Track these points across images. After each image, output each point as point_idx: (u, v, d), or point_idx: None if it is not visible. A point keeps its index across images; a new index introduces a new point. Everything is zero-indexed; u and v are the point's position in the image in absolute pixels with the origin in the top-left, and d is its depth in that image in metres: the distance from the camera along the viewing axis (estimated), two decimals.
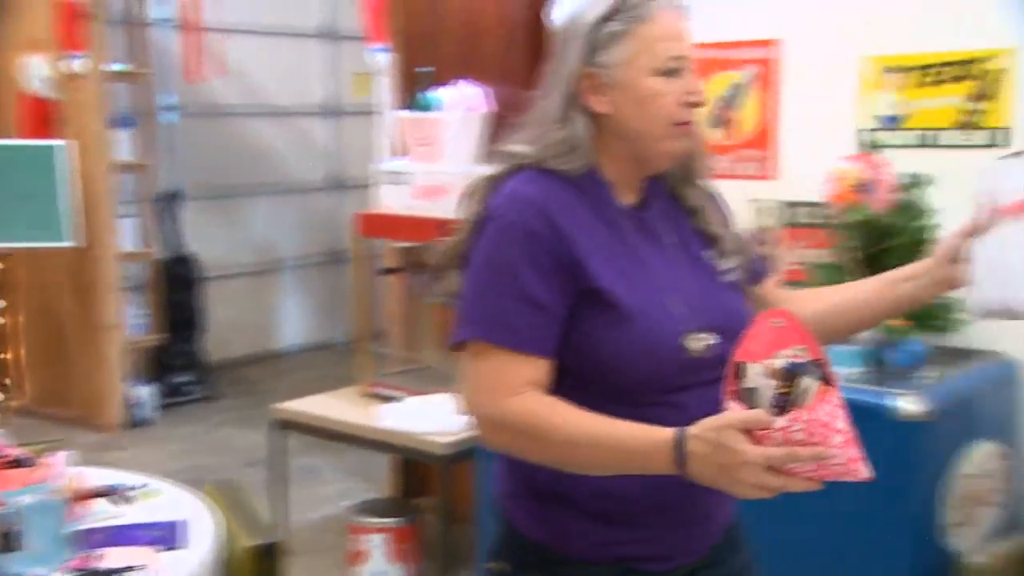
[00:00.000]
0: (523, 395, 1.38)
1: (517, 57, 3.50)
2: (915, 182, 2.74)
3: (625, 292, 1.41)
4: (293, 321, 7.00)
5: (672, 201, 1.54)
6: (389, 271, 3.74)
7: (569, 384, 1.41)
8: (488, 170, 1.50)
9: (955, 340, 2.72)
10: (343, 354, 5.93)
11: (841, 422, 1.24)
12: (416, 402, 3.23)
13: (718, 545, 1.53)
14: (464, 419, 3.04)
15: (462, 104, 3.34)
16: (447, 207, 3.27)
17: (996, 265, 1.45)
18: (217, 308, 6.10)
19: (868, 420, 2.33)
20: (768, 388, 1.27)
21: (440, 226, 3.28)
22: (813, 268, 2.91)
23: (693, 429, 1.27)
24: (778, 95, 3.16)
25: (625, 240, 1.46)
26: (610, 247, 1.44)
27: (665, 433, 1.29)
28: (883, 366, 2.61)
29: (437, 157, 3.33)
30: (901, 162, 2.77)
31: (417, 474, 3.88)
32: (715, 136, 3.27)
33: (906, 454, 2.36)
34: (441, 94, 3.36)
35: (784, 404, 1.25)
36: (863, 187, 2.70)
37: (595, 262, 1.41)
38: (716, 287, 1.50)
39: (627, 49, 1.41)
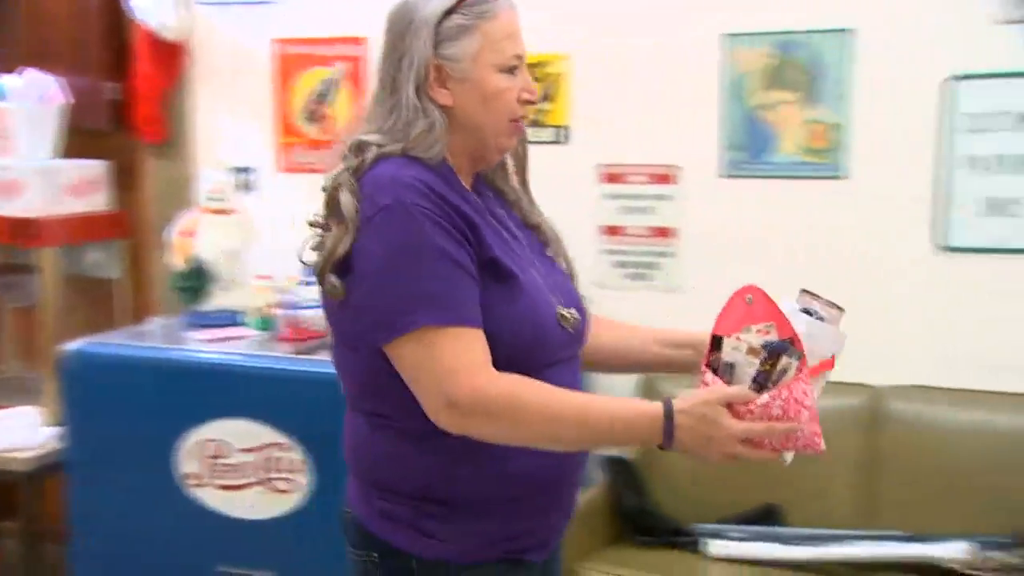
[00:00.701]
0: (492, 373, 1.35)
1: (93, 47, 3.29)
2: None
3: (514, 265, 1.43)
4: None
5: (494, 193, 1.57)
6: None
7: None
8: (343, 163, 1.43)
9: None
10: None
11: (809, 399, 1.33)
12: None
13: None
14: (48, 431, 2.85)
15: (32, 94, 3.09)
16: (21, 205, 3.05)
17: None
18: None
19: None
20: (748, 364, 1.35)
21: (15, 225, 3.04)
22: None
23: (680, 403, 1.34)
24: (368, 91, 3.26)
25: (490, 224, 1.46)
26: (489, 227, 1.45)
27: (652, 407, 1.35)
28: None
29: (6, 151, 3.06)
30: None
31: None
32: (310, 131, 3.32)
33: None
34: (6, 82, 3.09)
35: (765, 381, 1.33)
36: None
37: (489, 236, 1.42)
38: (557, 272, 1.55)
39: (473, 44, 1.42)
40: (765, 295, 1.38)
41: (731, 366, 1.37)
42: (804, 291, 1.47)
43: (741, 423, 1.32)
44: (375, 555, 1.47)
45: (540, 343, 1.42)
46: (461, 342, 1.34)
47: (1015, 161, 2.59)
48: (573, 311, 1.48)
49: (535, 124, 3.06)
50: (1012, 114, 2.57)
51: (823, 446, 1.34)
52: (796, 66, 2.78)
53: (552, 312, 1.45)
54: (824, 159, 2.79)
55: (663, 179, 2.96)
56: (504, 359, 1.37)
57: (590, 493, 2.76)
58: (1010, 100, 2.57)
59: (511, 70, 1.45)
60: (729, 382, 1.36)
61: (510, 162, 1.57)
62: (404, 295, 1.35)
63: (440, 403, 1.34)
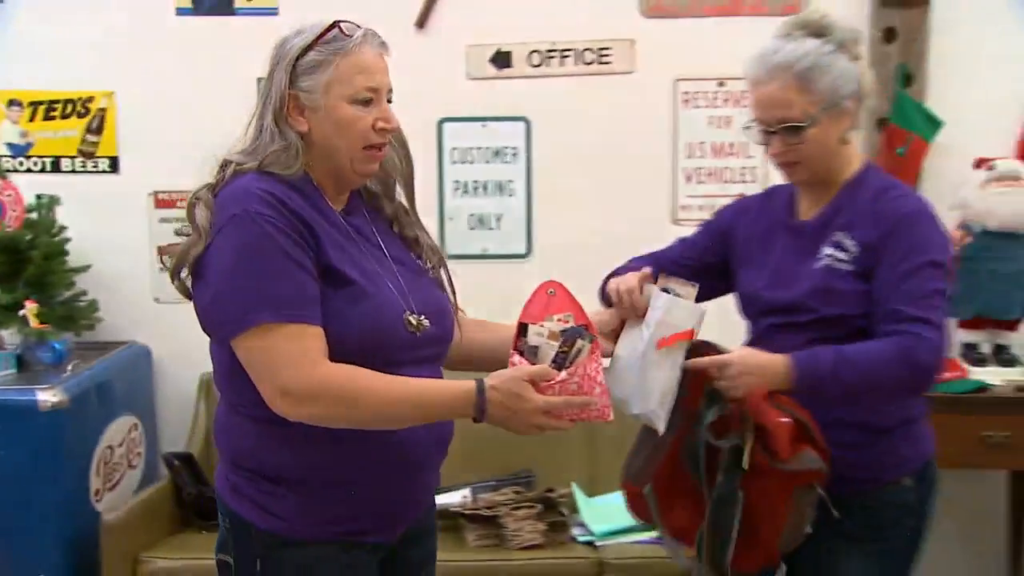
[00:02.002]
0: (324, 364, 1.51)
1: None
2: (44, 203, 3.13)
3: (355, 273, 1.58)
4: None
5: (372, 211, 1.72)
6: None
7: None
8: (207, 179, 1.59)
9: (96, 335, 3.19)
10: None
11: (601, 376, 1.54)
12: None
13: (416, 524, 1.72)
14: None
15: None
16: None
17: (641, 381, 1.71)
18: None
19: (18, 417, 2.67)
20: (549, 347, 1.55)
21: None
22: None
23: (490, 380, 1.53)
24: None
25: (345, 236, 1.62)
26: (334, 238, 1.60)
27: (466, 385, 1.54)
28: (31, 365, 2.95)
29: None
30: (31, 186, 3.16)
31: None
32: None
33: (56, 439, 2.74)
34: None
35: (563, 361, 1.54)
36: None
37: (328, 245, 1.57)
38: (421, 282, 1.69)
39: (325, 77, 1.58)
40: (564, 289, 1.62)
41: (535, 349, 1.56)
42: (661, 274, 1.79)
43: (543, 397, 1.53)
44: (227, 521, 1.65)
45: (382, 343, 1.58)
46: (296, 337, 1.51)
47: (491, 186, 3.27)
48: (421, 317, 1.63)
49: (85, 155, 3.26)
50: (487, 149, 3.25)
51: (611, 416, 1.57)
52: None
53: (398, 316, 1.60)
54: None
55: None
56: (348, 357, 1.54)
57: (155, 486, 3.04)
58: (484, 139, 3.24)
59: (365, 102, 1.61)
60: (534, 363, 1.56)
61: (399, 182, 1.75)
62: (246, 294, 1.52)
63: (276, 392, 1.52)
